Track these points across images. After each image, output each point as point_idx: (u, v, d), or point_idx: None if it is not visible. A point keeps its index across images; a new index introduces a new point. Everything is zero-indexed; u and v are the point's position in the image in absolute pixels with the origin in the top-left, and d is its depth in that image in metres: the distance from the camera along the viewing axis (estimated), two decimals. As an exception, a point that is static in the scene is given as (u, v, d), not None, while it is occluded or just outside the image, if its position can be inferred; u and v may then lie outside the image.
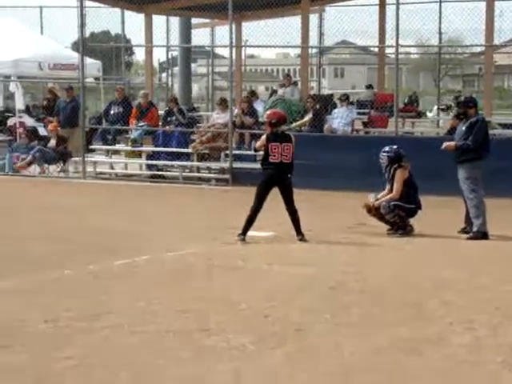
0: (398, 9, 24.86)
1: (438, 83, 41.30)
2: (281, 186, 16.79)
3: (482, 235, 17.13)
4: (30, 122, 30.93)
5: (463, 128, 17.95)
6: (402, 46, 27.45)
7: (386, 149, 18.68)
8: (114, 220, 19.51)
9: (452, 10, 32.75)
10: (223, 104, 28.77)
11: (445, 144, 18.15)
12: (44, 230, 18.22)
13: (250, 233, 16.60)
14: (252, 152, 23.70)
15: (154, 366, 9.16)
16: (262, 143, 17.36)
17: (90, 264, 14.58)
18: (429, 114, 40.32)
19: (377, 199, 17.94)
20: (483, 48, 32.03)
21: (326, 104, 29.20)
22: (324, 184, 20.91)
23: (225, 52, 35.09)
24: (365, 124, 30.11)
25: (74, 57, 31.23)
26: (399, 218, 17.74)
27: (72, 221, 19.62)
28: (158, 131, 28.64)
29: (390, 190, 17.75)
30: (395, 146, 18.79)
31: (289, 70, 36.76)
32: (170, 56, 36.63)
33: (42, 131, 29.98)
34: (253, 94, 31.10)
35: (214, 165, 27.23)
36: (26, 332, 10.37)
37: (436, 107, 36.42)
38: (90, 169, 28.36)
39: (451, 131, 20.84)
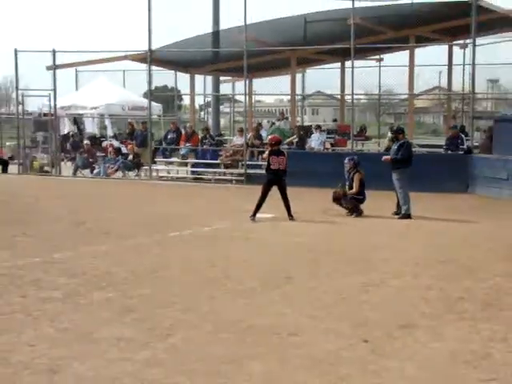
0: (352, 70, 24.89)
1: (379, 118, 41.34)
2: (278, 185, 16.86)
3: (408, 216, 17.24)
4: (116, 144, 30.96)
5: (395, 147, 18.16)
6: (355, 94, 27.47)
7: (350, 157, 18.83)
8: (171, 206, 19.63)
9: (388, 71, 32.81)
10: (240, 131, 28.89)
11: (384, 158, 18.35)
12: (128, 212, 18.37)
13: (258, 215, 16.63)
14: (259, 162, 23.92)
15: (198, 299, 9.23)
16: (266, 156, 17.48)
17: (155, 234, 14.65)
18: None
19: (343, 190, 18.01)
20: (407, 96, 32.14)
21: (306, 131, 29.30)
22: (306, 183, 20.82)
23: (241, 98, 35.10)
24: (332, 144, 30.01)
25: (145, 102, 31.30)
26: (354, 205, 17.79)
27: (145, 205, 19.76)
28: (198, 149, 28.68)
29: (350, 187, 17.81)
30: (356, 156, 19.01)
31: (282, 109, 36.55)
32: (205, 100, 36.64)
33: (123, 150, 30.00)
34: (259, 125, 31.18)
35: (234, 171, 27.14)
36: (114, 278, 10.56)
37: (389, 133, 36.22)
38: (154, 174, 28.40)
39: (387, 150, 20.90)
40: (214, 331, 7.81)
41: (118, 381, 6.28)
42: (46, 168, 30.71)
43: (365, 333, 7.81)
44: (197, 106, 36.41)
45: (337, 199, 18.09)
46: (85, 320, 8.21)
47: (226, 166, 27.46)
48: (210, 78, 34.34)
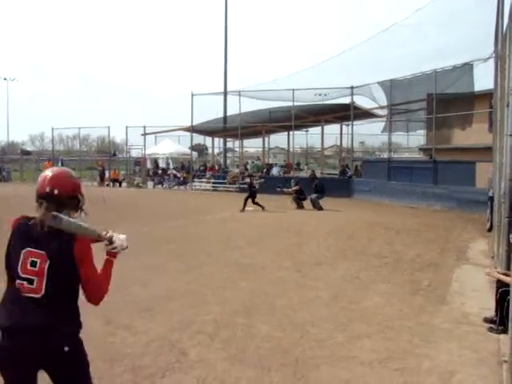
0: (293, 135, 24.93)
1: (306, 160, 41.32)
2: (251, 192, 16.74)
3: (321, 209, 17.06)
4: (174, 172, 30.66)
5: (313, 184, 17.81)
6: (295, 147, 27.75)
7: (295, 179, 18.82)
8: (201, 203, 19.39)
9: (310, 136, 32.96)
10: (237, 166, 28.80)
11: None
12: (178, 205, 18.13)
13: (246, 208, 16.46)
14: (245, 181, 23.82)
15: (215, 250, 9.18)
16: (249, 180, 17.49)
17: (194, 217, 14.50)
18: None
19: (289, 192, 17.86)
20: (320, 148, 32.44)
21: (270, 166, 29.11)
22: (271, 192, 20.51)
23: (238, 149, 35.01)
24: (284, 172, 29.70)
25: (189, 151, 31.09)
26: (299, 203, 17.57)
27: (187, 202, 19.48)
28: (216, 174, 28.58)
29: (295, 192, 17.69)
30: (296, 179, 18.90)
31: (258, 156, 36.24)
32: (219, 150, 36.37)
33: (178, 175, 29.73)
34: (246, 163, 31.07)
35: (233, 186, 26.81)
36: (175, 238, 10.49)
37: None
38: (193, 187, 28.18)
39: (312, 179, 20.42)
40: (224, 266, 7.84)
41: (174, 290, 6.32)
42: (140, 184, 30.47)
43: (298, 267, 7.88)
44: (215, 153, 36.13)
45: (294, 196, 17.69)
46: (159, 259, 8.19)
47: (230, 183, 27.33)
48: (222, 139, 34.23)
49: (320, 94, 24.66)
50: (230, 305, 5.70)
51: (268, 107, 26.53)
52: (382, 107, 23.55)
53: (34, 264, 2.24)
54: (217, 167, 30.07)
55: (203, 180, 29.05)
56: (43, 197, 2.30)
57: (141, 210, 16.73)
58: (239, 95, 26.00)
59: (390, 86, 20.87)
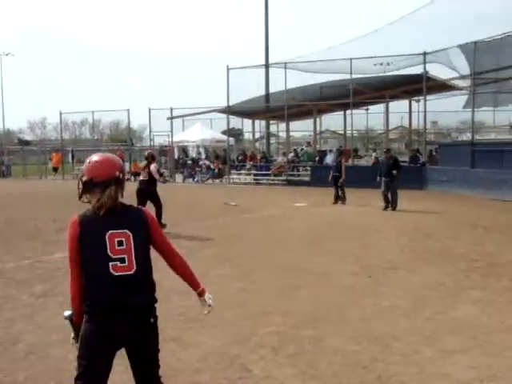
0: (352, 116, 25.12)
1: (366, 145, 40.93)
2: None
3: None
4: (207, 162, 31.16)
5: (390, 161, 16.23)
6: (352, 130, 27.90)
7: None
8: (241, 199, 19.49)
9: (372, 116, 32.54)
10: (283, 154, 29.05)
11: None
12: (212, 202, 18.39)
13: (296, 204, 16.53)
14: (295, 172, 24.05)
15: (266, 253, 9.38)
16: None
17: (237, 215, 14.77)
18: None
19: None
20: (384, 131, 32.05)
21: (324, 152, 29.09)
22: (324, 184, 20.23)
23: (282, 134, 35.24)
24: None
25: (224, 137, 31.57)
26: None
27: (225, 199, 19.72)
28: (257, 165, 28.88)
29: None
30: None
31: (309, 142, 36.22)
32: (260, 135, 36.79)
33: (212, 166, 30.20)
34: (295, 150, 31.21)
35: (280, 178, 27.13)
36: (215, 239, 10.78)
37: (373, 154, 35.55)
38: (231, 180, 28.60)
39: (374, 164, 20.46)
40: (280, 271, 8.01)
41: (224, 299, 6.50)
42: (166, 178, 31.02)
43: (368, 271, 7.96)
44: (256, 138, 36.54)
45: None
46: (200, 264, 8.27)
47: (275, 175, 27.55)
48: (263, 122, 34.55)
49: (382, 64, 24.44)
50: (293, 315, 5.87)
51: (319, 82, 26.53)
52: (463, 77, 23.09)
53: (121, 243, 2.78)
54: (259, 156, 30.27)
55: (242, 172, 29.42)
56: (109, 182, 2.84)
57: (171, 208, 17.11)
58: (285, 68, 26.06)
59: (473, 50, 20.38)
